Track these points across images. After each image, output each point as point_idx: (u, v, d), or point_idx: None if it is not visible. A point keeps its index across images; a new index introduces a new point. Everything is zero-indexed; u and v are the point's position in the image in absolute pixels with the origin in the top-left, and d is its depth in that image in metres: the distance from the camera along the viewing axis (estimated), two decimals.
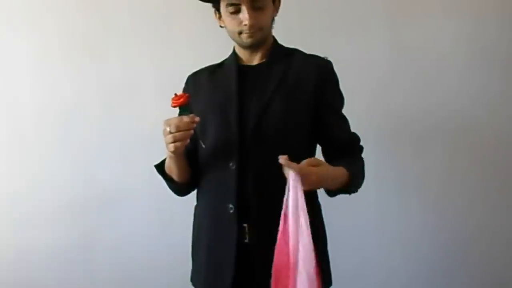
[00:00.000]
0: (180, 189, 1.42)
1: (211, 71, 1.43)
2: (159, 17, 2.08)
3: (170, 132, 1.19)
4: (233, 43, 1.40)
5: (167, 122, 1.20)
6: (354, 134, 1.39)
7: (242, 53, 1.39)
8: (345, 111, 1.40)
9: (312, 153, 1.38)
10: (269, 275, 1.13)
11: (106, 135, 2.13)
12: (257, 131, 1.28)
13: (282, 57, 1.36)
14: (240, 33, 1.30)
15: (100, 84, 2.12)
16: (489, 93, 2.04)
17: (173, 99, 1.23)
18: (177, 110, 1.26)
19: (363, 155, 1.39)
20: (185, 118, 1.19)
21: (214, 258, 1.33)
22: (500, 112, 2.05)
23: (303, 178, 1.10)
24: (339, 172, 1.24)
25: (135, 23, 2.09)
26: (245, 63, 1.39)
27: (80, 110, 2.12)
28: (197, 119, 1.20)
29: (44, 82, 2.12)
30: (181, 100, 1.22)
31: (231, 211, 1.27)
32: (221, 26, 1.37)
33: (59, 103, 2.12)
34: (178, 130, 1.18)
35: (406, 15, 2.04)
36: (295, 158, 1.26)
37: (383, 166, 2.06)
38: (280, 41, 1.43)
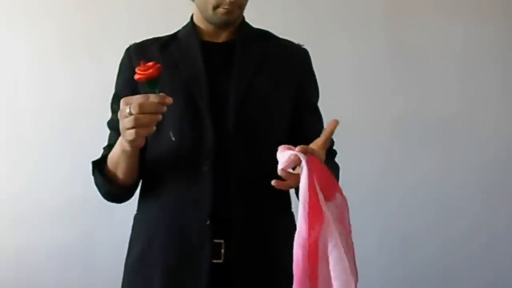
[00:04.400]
0: (121, 193, 1.14)
1: (162, 44, 1.15)
2: (158, 17, 2.08)
3: (131, 114, 0.88)
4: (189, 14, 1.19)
5: (127, 101, 0.89)
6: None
7: (205, 27, 1.14)
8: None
9: None
10: None
11: (105, 134, 2.12)
12: (239, 124, 1.06)
13: (254, 37, 1.16)
14: (216, 7, 1.06)
15: (99, 84, 2.11)
16: (490, 93, 2.04)
17: (138, 69, 0.90)
18: None
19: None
20: (152, 98, 0.88)
21: (176, 283, 1.04)
22: (501, 112, 2.05)
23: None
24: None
25: (134, 23, 2.09)
26: (207, 39, 1.14)
27: (79, 110, 2.12)
28: (168, 99, 0.89)
29: (43, 82, 2.12)
30: (150, 71, 0.89)
31: (206, 223, 1.02)
32: None
33: (58, 103, 2.12)
34: (141, 111, 0.87)
35: (406, 16, 2.04)
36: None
37: (383, 167, 2.06)
38: None
